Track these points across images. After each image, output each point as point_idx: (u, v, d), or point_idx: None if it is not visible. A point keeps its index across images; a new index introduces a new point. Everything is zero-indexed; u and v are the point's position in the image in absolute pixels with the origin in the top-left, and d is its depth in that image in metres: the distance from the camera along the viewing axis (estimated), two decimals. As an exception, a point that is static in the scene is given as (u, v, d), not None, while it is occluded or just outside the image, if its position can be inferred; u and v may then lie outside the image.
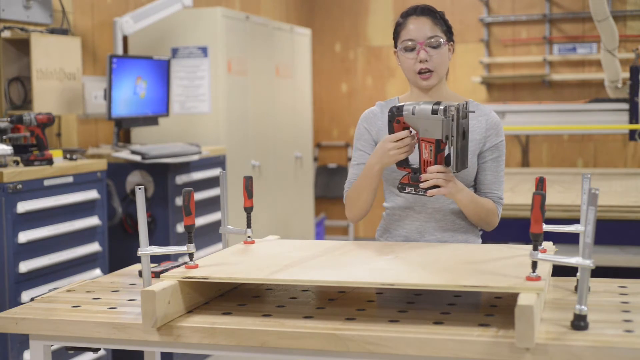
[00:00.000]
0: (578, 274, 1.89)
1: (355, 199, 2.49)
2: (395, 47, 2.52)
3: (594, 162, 7.37)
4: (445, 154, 2.26)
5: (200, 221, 4.54)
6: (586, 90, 7.34)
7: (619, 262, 4.05)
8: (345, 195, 2.56)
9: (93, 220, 3.86)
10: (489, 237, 2.64)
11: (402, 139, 2.27)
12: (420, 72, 2.44)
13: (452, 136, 2.18)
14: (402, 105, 2.26)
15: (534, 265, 1.80)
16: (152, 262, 2.18)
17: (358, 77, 8.12)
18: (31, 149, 3.58)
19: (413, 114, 2.22)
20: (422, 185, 2.27)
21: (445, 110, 2.16)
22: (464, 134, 2.20)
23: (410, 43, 2.44)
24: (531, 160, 7.43)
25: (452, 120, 2.16)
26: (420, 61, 2.43)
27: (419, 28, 2.43)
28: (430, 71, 2.44)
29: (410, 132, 2.28)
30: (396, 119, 2.27)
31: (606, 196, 4.27)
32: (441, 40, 2.44)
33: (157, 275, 2.18)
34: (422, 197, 2.46)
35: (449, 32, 2.50)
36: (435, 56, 2.44)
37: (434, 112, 2.17)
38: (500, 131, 2.52)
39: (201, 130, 5.16)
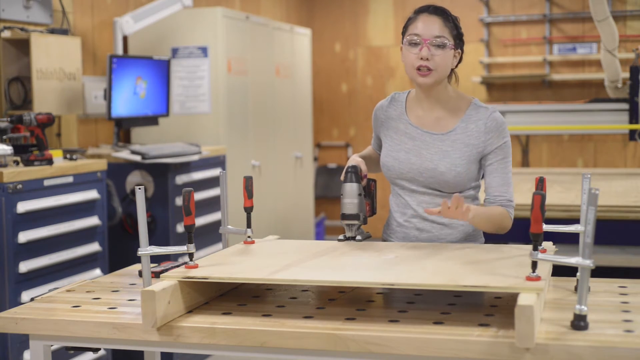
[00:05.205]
0: (578, 274, 1.89)
1: None
2: (403, 42, 2.50)
3: (594, 162, 7.37)
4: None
5: (200, 221, 4.54)
6: (586, 90, 7.34)
7: (619, 262, 4.05)
8: None
9: (93, 220, 3.85)
10: (489, 237, 2.63)
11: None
12: (419, 69, 2.43)
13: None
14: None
15: (534, 265, 1.80)
16: (152, 262, 2.19)
17: (358, 77, 8.12)
18: (31, 149, 3.58)
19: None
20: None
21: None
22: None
23: (415, 38, 2.42)
24: (531, 160, 7.43)
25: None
26: (422, 58, 2.41)
27: (428, 26, 2.42)
28: (429, 69, 2.42)
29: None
30: None
31: (606, 196, 4.27)
32: (447, 42, 2.42)
33: (157, 275, 2.18)
34: (416, 192, 2.50)
35: (458, 38, 2.48)
36: (438, 56, 2.41)
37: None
38: (502, 132, 2.47)
39: (201, 130, 5.16)
